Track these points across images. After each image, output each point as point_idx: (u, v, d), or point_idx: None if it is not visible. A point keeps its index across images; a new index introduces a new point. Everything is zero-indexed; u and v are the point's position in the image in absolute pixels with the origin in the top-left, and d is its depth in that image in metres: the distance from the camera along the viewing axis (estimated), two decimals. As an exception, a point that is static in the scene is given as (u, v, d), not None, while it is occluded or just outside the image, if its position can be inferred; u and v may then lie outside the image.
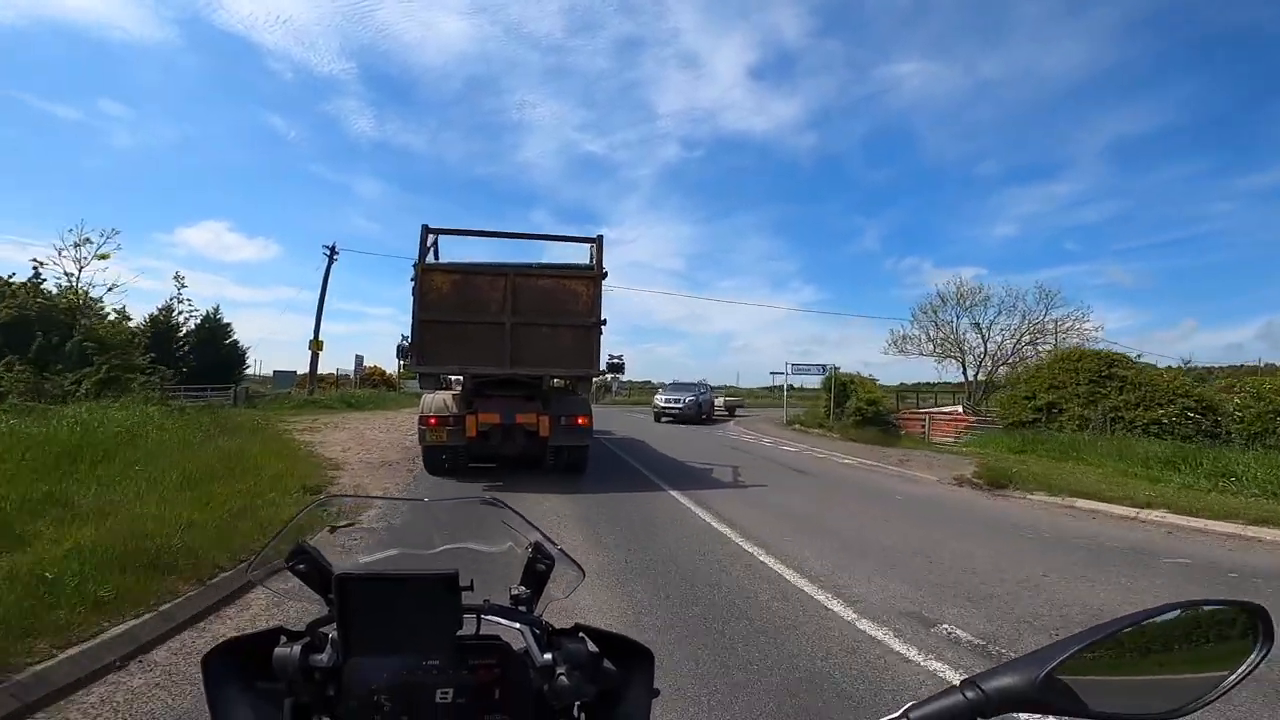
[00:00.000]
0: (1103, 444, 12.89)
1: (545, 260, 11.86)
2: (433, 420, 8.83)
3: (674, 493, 9.14)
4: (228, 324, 30.81)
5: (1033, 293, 31.40)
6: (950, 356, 34.19)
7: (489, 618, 0.87)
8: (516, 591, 0.94)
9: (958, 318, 31.36)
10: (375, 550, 1.06)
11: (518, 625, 0.88)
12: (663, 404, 26.45)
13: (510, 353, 8.67)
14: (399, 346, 11.44)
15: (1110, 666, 0.64)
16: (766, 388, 70.07)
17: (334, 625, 0.80)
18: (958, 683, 0.62)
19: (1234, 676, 0.65)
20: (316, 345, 27.96)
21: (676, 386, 27.56)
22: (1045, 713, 0.61)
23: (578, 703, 0.82)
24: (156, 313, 28.71)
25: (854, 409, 23.62)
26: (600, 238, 9.34)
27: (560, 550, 0.97)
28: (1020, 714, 0.64)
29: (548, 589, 0.96)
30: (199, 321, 29.75)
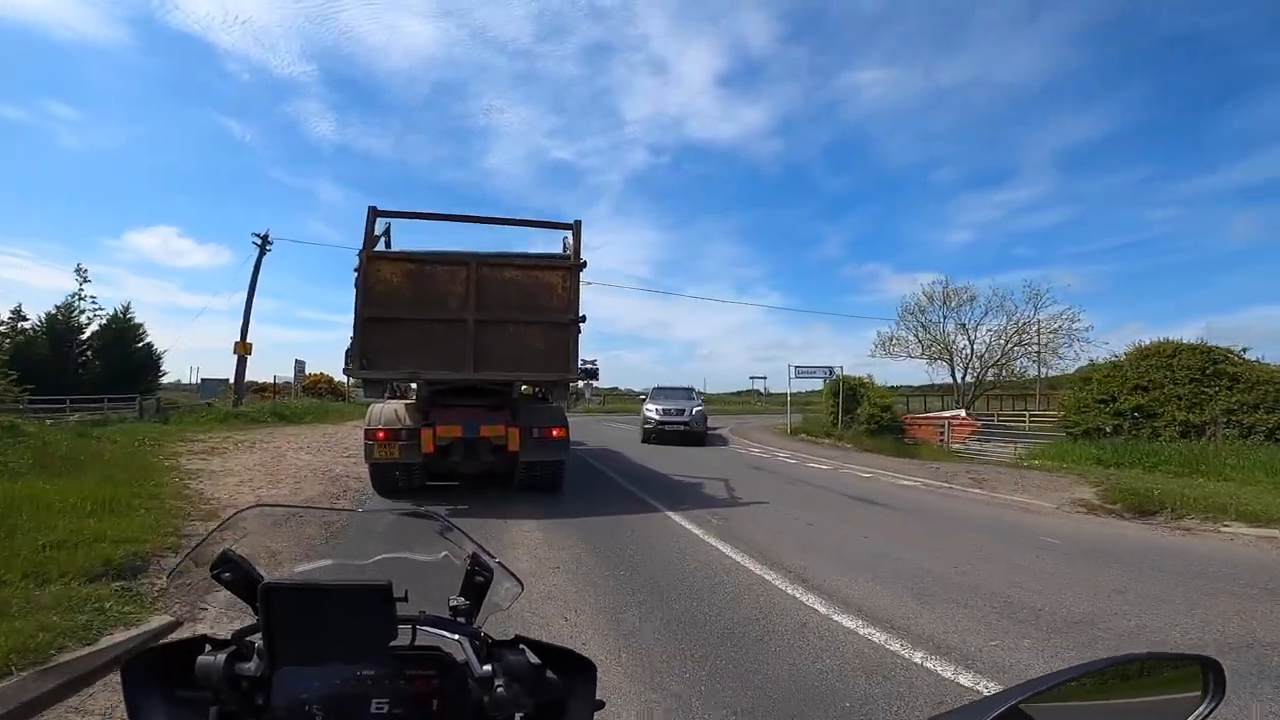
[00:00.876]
0: (1239, 454, 10.37)
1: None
2: (381, 434, 7.69)
3: (720, 545, 6.31)
4: (139, 324, 26.80)
5: (1021, 292, 31.03)
6: (940, 359, 33.15)
7: (426, 629, 0.88)
8: (455, 603, 0.93)
9: (943, 319, 31.10)
10: (308, 559, 1.02)
11: (455, 636, 0.89)
12: (658, 417, 19.33)
13: (473, 355, 7.62)
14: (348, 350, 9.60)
15: (1066, 713, 0.63)
16: (735, 393, 69.54)
17: (260, 634, 0.78)
18: None
19: None
20: (243, 348, 24.16)
21: (667, 394, 21.37)
22: None
23: (519, 715, 0.82)
24: (54, 311, 24.56)
25: (866, 416, 21.09)
26: (578, 223, 8.23)
27: (499, 563, 0.96)
28: None
29: (489, 600, 0.95)
30: (104, 322, 25.59)
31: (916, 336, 32.04)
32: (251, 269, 24.82)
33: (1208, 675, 0.69)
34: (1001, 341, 30.81)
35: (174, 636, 1.17)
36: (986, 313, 30.80)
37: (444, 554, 1.01)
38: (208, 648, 0.83)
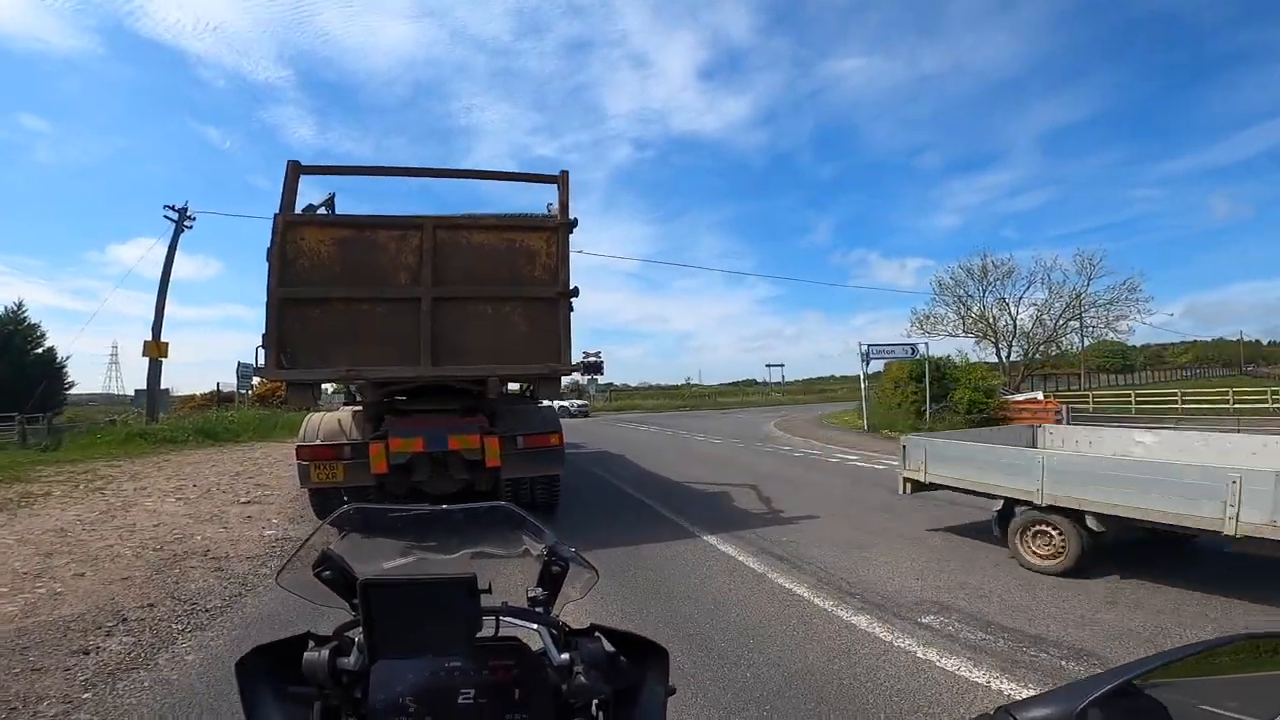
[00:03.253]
0: None
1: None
2: (316, 451, 6.11)
3: None
4: (34, 326, 22.04)
5: (1072, 260, 28.90)
6: (986, 337, 30.32)
7: (507, 619, 0.89)
8: (533, 594, 0.98)
9: (984, 293, 29.68)
10: (397, 556, 1.07)
11: (535, 626, 0.93)
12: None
13: (431, 345, 6.04)
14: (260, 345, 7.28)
15: (1150, 703, 0.61)
16: (732, 383, 66.62)
17: (359, 629, 0.82)
18: (993, 711, 0.62)
19: None
20: (155, 350, 19.51)
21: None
22: None
23: (595, 700, 0.86)
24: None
25: (966, 403, 16.61)
26: (565, 174, 6.61)
27: (574, 553, 1.00)
28: None
29: (564, 590, 0.99)
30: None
31: (958, 313, 30.26)
32: (166, 250, 20.16)
33: None
34: (1047, 317, 29.44)
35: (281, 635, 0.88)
36: (1030, 286, 29.37)
37: (523, 547, 1.07)
38: (311, 644, 0.86)
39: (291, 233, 6.01)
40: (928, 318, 30.21)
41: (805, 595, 4.58)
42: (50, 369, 22.34)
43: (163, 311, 19.65)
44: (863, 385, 18.31)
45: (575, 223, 6.53)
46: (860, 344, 18.38)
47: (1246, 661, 0.69)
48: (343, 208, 7.22)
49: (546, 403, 8.40)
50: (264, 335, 6.03)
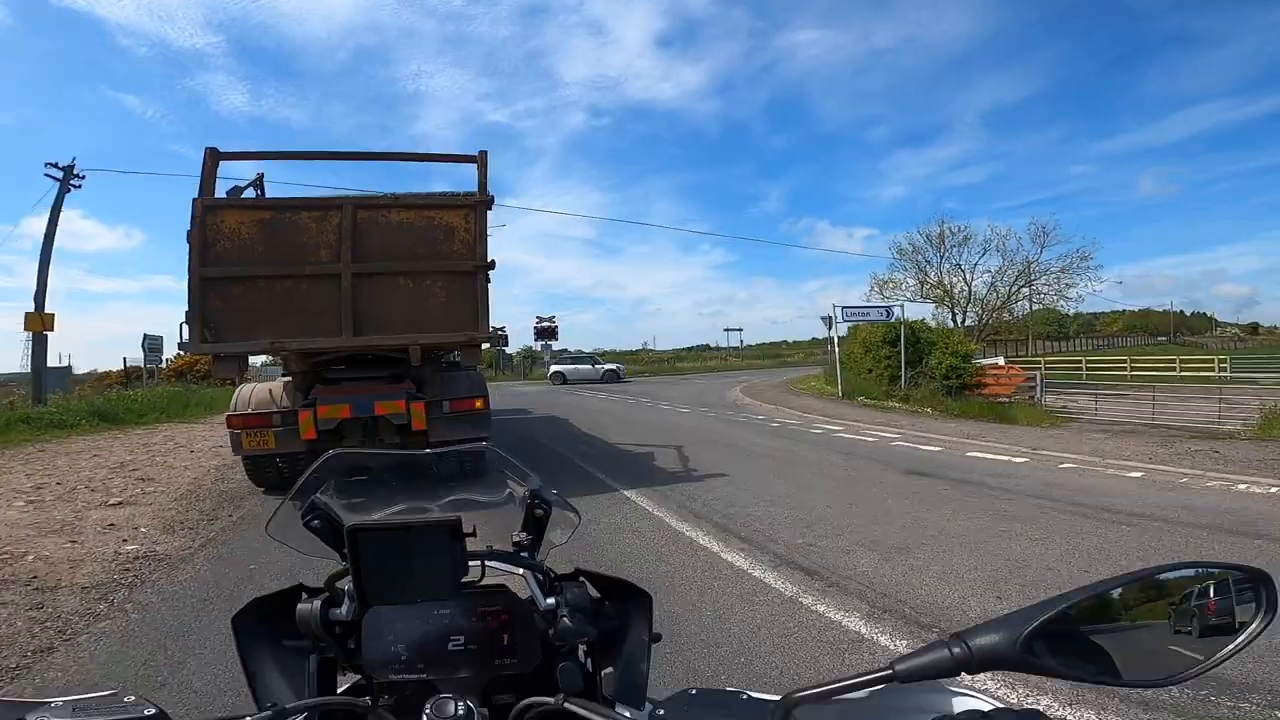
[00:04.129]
0: None
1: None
2: (246, 419, 6.61)
3: None
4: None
5: (1026, 229, 30.13)
6: (941, 303, 31.07)
7: (493, 564, 0.90)
8: (518, 538, 0.96)
9: (941, 260, 30.65)
10: (383, 503, 1.06)
11: (520, 571, 0.92)
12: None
13: (352, 317, 6.34)
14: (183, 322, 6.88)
15: (1094, 629, 0.62)
16: (688, 348, 66.68)
17: (349, 579, 0.82)
18: (947, 637, 0.61)
19: (1231, 646, 0.63)
20: (39, 323, 16.97)
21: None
22: (1026, 672, 0.59)
23: (582, 645, 0.87)
24: None
25: (944, 369, 15.87)
26: (484, 154, 6.88)
27: (556, 495, 0.99)
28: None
29: (548, 535, 0.99)
30: None
31: (916, 279, 31.30)
32: (49, 212, 17.46)
33: (1259, 589, 0.64)
34: (1002, 284, 30.55)
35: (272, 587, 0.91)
36: (985, 253, 30.35)
37: (507, 491, 1.07)
38: (304, 595, 0.87)
39: (211, 216, 6.28)
40: (887, 282, 31.12)
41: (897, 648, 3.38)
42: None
43: (46, 280, 17.04)
44: (835, 350, 17.34)
45: (492, 200, 6.86)
46: (834, 305, 17.34)
47: (1186, 597, 0.65)
48: (283, 178, 7.71)
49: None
50: (186, 312, 6.29)
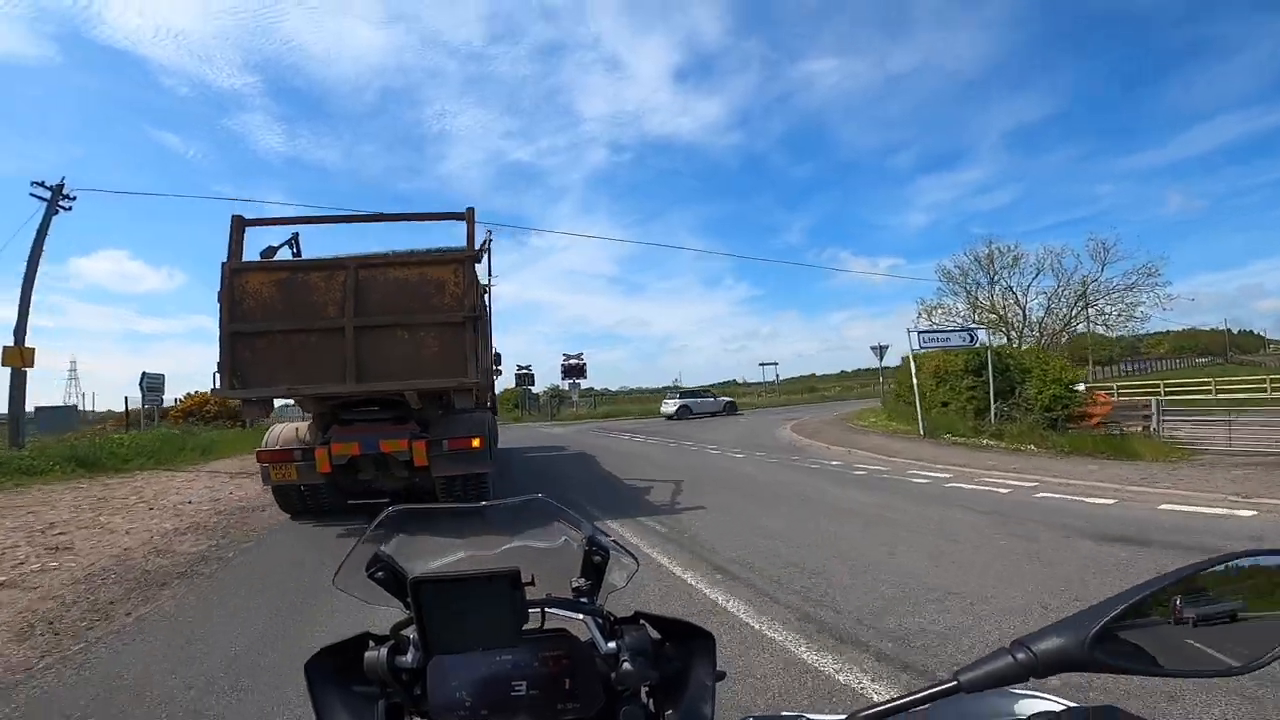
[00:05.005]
0: None
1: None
2: (273, 454, 7.47)
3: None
4: None
5: (1085, 246, 27.73)
6: (997, 329, 28.57)
7: (553, 610, 0.92)
8: (577, 584, 0.97)
9: (992, 283, 28.62)
10: (442, 554, 1.07)
11: (580, 616, 0.93)
12: None
13: (355, 366, 7.04)
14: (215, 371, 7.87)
15: (1163, 623, 0.61)
16: (716, 384, 64.06)
17: (414, 627, 0.83)
18: (1008, 644, 0.61)
19: None
20: (18, 357, 15.38)
21: None
22: (1096, 671, 0.59)
23: (645, 687, 0.87)
24: None
25: (1046, 401, 13.44)
26: (471, 211, 7.72)
27: (614, 541, 0.99)
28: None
29: (607, 579, 0.99)
30: None
31: (968, 303, 28.79)
32: (35, 235, 16.07)
33: None
34: (1059, 305, 28.48)
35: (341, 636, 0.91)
36: (1038, 274, 28.38)
37: (563, 539, 1.06)
38: (371, 643, 0.89)
39: (238, 278, 7.09)
40: (936, 308, 28.47)
41: None
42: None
43: (28, 309, 15.44)
44: (914, 381, 14.84)
45: (480, 254, 7.89)
46: (909, 330, 14.96)
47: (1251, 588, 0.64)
48: (310, 232, 8.61)
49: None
50: (218, 361, 7.11)
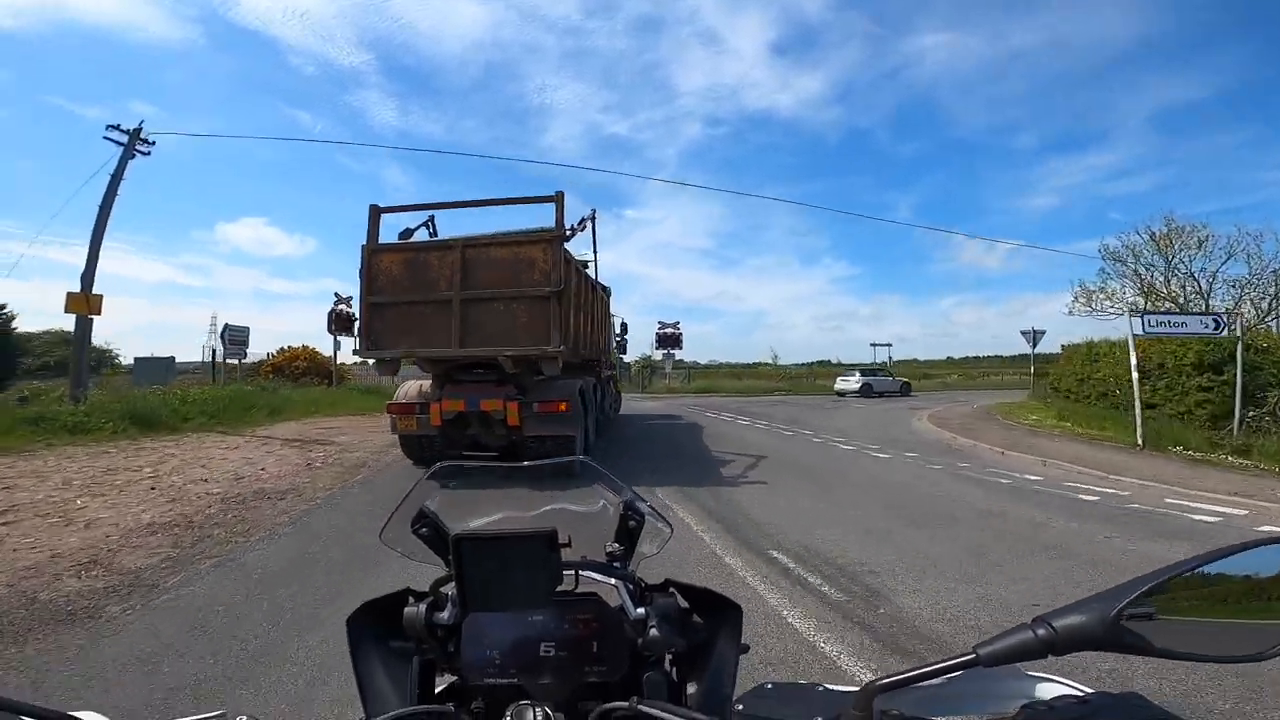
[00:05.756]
0: None
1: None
2: (400, 407, 8.60)
3: None
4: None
5: None
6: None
7: (586, 573, 0.93)
8: (611, 548, 0.98)
9: (1168, 266, 23.86)
10: (484, 513, 1.08)
11: (613, 581, 0.94)
12: None
13: (459, 332, 8.09)
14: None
15: (1184, 606, 0.61)
16: (808, 363, 59.93)
17: (453, 584, 0.83)
18: (1030, 621, 0.60)
19: None
20: (85, 304, 14.12)
21: None
22: (1116, 651, 0.58)
23: (669, 654, 0.87)
24: None
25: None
26: (560, 194, 8.33)
27: (650, 507, 1.01)
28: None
29: (639, 546, 1.00)
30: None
31: (1141, 289, 23.82)
32: (109, 180, 15.12)
33: None
34: (1253, 295, 22.90)
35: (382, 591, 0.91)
36: (1229, 258, 22.68)
37: (601, 502, 1.08)
38: (411, 599, 0.90)
39: (374, 258, 8.35)
40: (1097, 293, 23.59)
41: None
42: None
43: (97, 255, 14.52)
44: (1134, 376, 11.01)
45: (569, 235, 8.45)
46: (1129, 311, 11.33)
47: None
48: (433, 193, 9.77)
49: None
50: (358, 327, 8.66)
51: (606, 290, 13.78)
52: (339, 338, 19.71)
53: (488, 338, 8.00)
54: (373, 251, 8.33)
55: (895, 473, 9.09)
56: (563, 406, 8.28)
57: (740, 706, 0.80)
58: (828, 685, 0.83)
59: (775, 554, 4.93)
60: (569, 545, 0.84)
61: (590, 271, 10.89)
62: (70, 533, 5.39)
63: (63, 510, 6.09)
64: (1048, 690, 0.76)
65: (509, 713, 0.75)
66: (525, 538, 0.78)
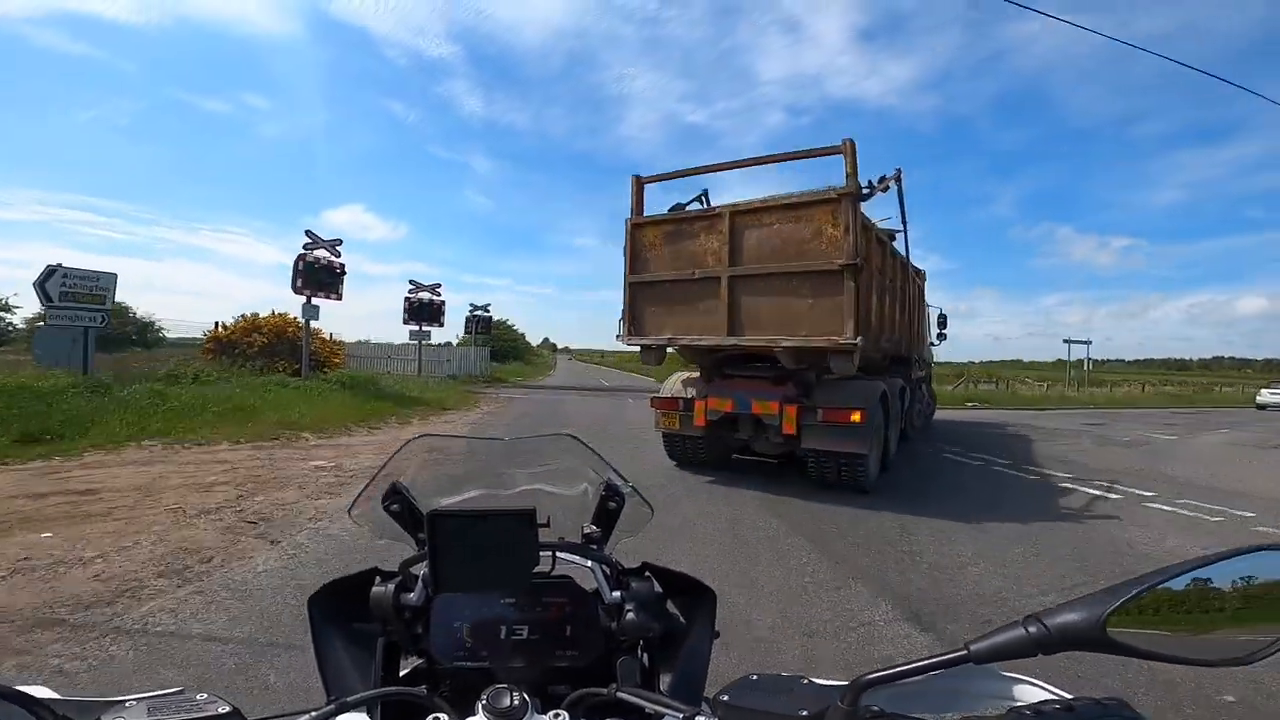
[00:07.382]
0: None
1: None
2: (663, 402, 7.84)
3: None
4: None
5: None
6: None
7: (562, 555, 0.91)
8: (589, 530, 1.01)
9: None
10: (460, 490, 1.07)
11: (589, 563, 0.95)
12: None
13: (728, 317, 6.96)
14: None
15: (1175, 610, 0.62)
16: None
17: (424, 564, 0.85)
18: (1021, 618, 0.60)
19: None
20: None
21: None
22: (1106, 652, 0.59)
23: (642, 639, 0.87)
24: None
25: None
26: (850, 143, 6.39)
27: (632, 488, 1.02)
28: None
29: (618, 527, 1.02)
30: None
31: None
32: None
33: None
34: None
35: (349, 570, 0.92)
36: None
37: (582, 481, 1.08)
38: (378, 579, 0.88)
39: (638, 232, 7.65)
40: None
41: None
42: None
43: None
44: None
45: (867, 194, 6.56)
46: None
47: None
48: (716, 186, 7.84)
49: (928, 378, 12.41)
50: (622, 310, 7.82)
51: (920, 273, 11.32)
52: (311, 298, 15.78)
53: (762, 324, 6.81)
54: (635, 225, 7.68)
55: None
56: (855, 416, 6.64)
57: (725, 698, 0.76)
58: (813, 678, 0.79)
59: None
60: (547, 525, 0.84)
61: (898, 245, 8.71)
62: None
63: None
64: (1032, 694, 0.76)
65: (485, 696, 0.72)
66: (503, 516, 0.77)
